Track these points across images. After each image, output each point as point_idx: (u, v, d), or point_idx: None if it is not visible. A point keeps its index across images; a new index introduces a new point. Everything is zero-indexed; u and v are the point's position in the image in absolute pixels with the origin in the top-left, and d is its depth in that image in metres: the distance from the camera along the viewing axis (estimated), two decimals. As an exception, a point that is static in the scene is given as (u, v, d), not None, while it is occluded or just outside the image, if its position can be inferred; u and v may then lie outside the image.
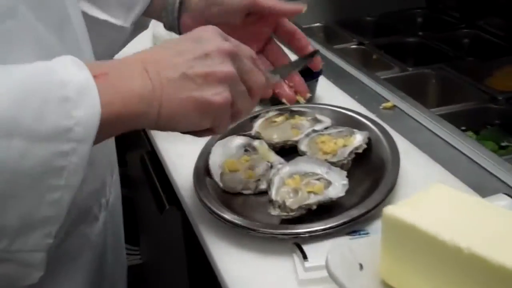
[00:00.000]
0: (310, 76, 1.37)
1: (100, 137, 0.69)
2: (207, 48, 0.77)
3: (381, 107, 1.43)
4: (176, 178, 1.21)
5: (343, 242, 0.90)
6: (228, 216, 1.00)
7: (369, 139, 1.17)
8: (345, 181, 1.04)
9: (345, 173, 1.06)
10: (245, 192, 1.10)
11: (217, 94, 0.76)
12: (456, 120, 1.42)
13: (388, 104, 1.43)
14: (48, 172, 0.65)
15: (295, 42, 1.10)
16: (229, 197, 1.10)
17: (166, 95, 0.73)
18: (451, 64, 1.77)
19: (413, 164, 1.14)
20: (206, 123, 0.78)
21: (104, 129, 0.69)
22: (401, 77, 1.73)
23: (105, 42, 1.11)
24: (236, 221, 0.99)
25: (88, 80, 0.69)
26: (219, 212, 1.01)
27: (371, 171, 1.12)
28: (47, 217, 0.67)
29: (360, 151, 1.14)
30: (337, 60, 1.67)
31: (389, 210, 0.82)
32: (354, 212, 0.98)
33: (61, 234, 0.70)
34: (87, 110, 0.67)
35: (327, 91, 1.48)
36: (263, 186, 1.10)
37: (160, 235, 1.55)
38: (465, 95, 1.67)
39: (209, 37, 0.79)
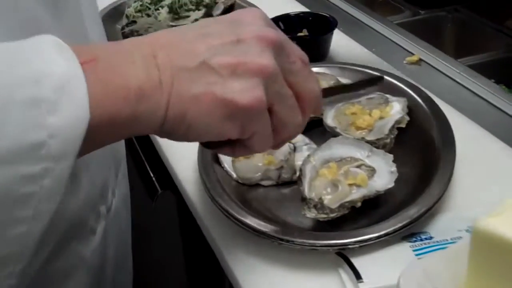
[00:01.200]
0: (325, 29, 1.15)
1: (86, 148, 0.50)
2: (242, 33, 0.56)
3: (405, 62, 1.21)
4: (170, 157, 1.00)
5: (414, 264, 0.69)
6: (251, 221, 0.78)
7: (408, 107, 0.95)
8: (393, 168, 0.83)
9: (391, 156, 0.85)
10: (264, 183, 0.88)
11: (246, 91, 0.55)
12: (483, 73, 1.20)
13: (414, 58, 1.21)
14: (10, 202, 0.47)
15: None
16: (245, 190, 0.88)
17: (177, 89, 0.54)
18: (467, 5, 1.55)
19: (459, 133, 0.92)
20: (232, 130, 0.57)
21: (91, 139, 0.49)
22: (413, 22, 1.51)
23: None
24: (263, 229, 0.77)
25: (73, 72, 0.48)
26: (240, 217, 0.79)
27: (417, 150, 0.91)
28: (9, 255, 0.49)
29: (403, 125, 0.92)
30: (345, 6, 1.43)
31: (483, 223, 0.62)
32: (412, 211, 0.78)
33: (43, 256, 0.61)
34: (67, 116, 0.47)
35: (341, 44, 1.25)
36: (286, 174, 0.88)
37: (149, 228, 1.31)
38: (488, 41, 1.46)
39: (250, 21, 0.58)
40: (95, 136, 0.50)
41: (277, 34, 0.57)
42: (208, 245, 0.87)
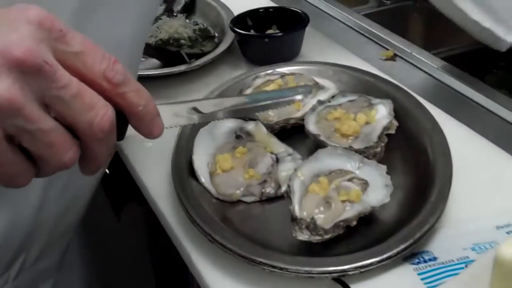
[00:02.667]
0: (296, 25, 1.08)
1: None
2: None
3: (380, 57, 1.14)
4: (139, 169, 0.92)
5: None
6: (238, 247, 0.71)
7: (395, 110, 0.89)
8: (388, 180, 0.77)
9: (384, 168, 0.79)
10: (247, 200, 0.81)
11: None
12: (456, 65, 1.15)
13: (389, 53, 1.15)
14: None
15: None
16: (226, 208, 0.81)
17: None
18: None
19: (447, 135, 0.86)
20: None
21: None
22: (379, 13, 1.45)
23: None
24: (252, 256, 0.70)
25: None
26: (226, 242, 0.72)
27: (408, 158, 0.85)
28: None
29: (392, 131, 0.86)
30: (314, 0, 1.36)
31: (507, 252, 0.56)
32: (414, 229, 0.71)
33: None
34: None
35: (312, 40, 1.18)
36: (270, 189, 0.80)
37: (112, 246, 1.21)
38: (456, 31, 1.40)
39: (13, 25, 0.44)
40: None
41: (32, 51, 0.43)
42: (183, 265, 0.79)
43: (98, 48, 0.47)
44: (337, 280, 0.70)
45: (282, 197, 0.79)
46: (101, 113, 0.46)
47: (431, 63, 1.12)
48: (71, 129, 0.47)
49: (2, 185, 0.48)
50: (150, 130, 0.52)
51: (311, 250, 0.73)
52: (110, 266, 0.92)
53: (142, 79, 0.88)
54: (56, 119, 0.46)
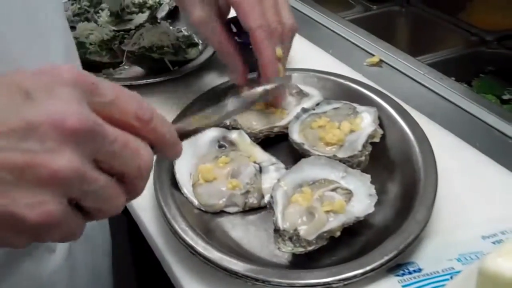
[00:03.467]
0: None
1: None
2: (35, 114, 0.42)
3: (365, 64, 1.13)
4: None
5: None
6: (220, 259, 0.70)
7: (379, 118, 0.88)
8: (372, 190, 0.76)
9: (368, 177, 0.78)
10: (230, 210, 0.79)
11: (35, 207, 0.43)
12: (442, 70, 1.15)
13: (374, 60, 1.14)
14: None
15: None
16: (208, 219, 0.80)
17: None
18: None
19: (432, 142, 0.85)
20: (23, 242, 0.46)
21: None
22: (365, 18, 1.45)
23: None
24: (234, 268, 0.69)
25: None
26: (208, 255, 0.71)
27: (393, 167, 0.84)
28: None
29: (377, 140, 0.85)
30: (299, 6, 1.35)
31: (493, 264, 0.55)
32: (398, 240, 0.70)
33: None
34: None
35: (297, 47, 1.16)
36: (253, 199, 0.79)
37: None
38: (443, 36, 1.41)
39: (50, 92, 0.44)
40: None
41: (79, 117, 0.43)
42: (167, 277, 0.78)
43: (125, 90, 0.49)
44: (322, 293, 0.68)
45: (265, 208, 0.78)
46: (146, 155, 0.49)
47: (417, 69, 1.11)
48: (120, 175, 0.48)
49: (61, 242, 0.49)
50: (176, 152, 0.55)
51: (294, 262, 0.72)
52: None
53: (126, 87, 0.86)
54: (104, 171, 0.47)
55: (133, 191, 0.50)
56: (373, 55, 1.15)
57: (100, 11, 1.23)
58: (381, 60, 1.15)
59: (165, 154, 0.54)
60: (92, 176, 0.45)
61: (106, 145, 0.46)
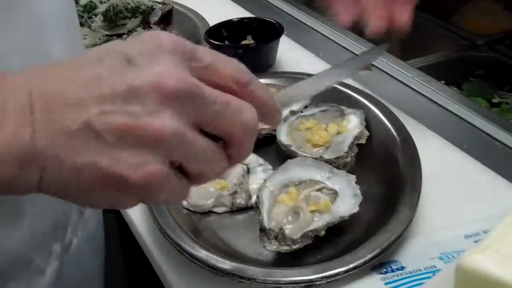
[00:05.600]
0: (271, 35, 1.09)
1: None
2: (136, 80, 0.44)
3: (355, 67, 1.14)
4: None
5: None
6: (207, 257, 0.71)
7: (366, 120, 0.89)
8: (357, 190, 0.77)
9: (353, 177, 0.79)
10: (217, 210, 0.81)
11: (138, 167, 0.44)
12: (433, 74, 1.16)
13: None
14: None
15: None
16: (197, 219, 0.81)
17: (54, 157, 0.43)
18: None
19: (420, 144, 0.86)
20: (128, 203, 0.47)
21: None
22: (356, 22, 1.44)
23: None
24: (221, 266, 0.70)
25: None
26: (195, 253, 0.72)
27: (378, 168, 0.85)
28: None
29: (363, 141, 0.87)
30: (289, 9, 1.36)
31: (468, 260, 0.57)
32: (381, 239, 0.72)
33: None
34: None
35: (287, 51, 1.18)
36: (241, 200, 0.81)
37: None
38: (434, 40, 1.42)
39: (151, 57, 0.45)
40: None
41: (179, 79, 0.44)
42: (157, 277, 0.79)
43: (221, 54, 0.49)
44: (306, 290, 0.70)
45: (253, 208, 0.79)
46: (250, 113, 0.48)
47: (406, 72, 1.12)
48: (227, 136, 0.49)
49: (166, 204, 0.49)
50: (277, 119, 0.54)
51: (280, 260, 0.73)
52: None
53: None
54: (209, 134, 0.47)
55: (239, 152, 0.50)
56: (363, 59, 1.16)
57: (93, 16, 1.25)
58: (372, 64, 1.16)
59: (265, 120, 0.52)
60: (192, 137, 0.46)
61: (206, 106, 0.46)
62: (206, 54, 0.48)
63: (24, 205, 0.61)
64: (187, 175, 0.48)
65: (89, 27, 1.22)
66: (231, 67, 0.49)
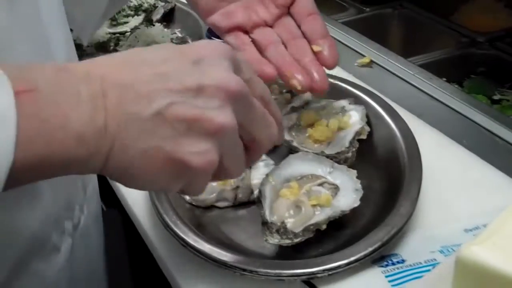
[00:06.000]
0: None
1: (10, 186, 0.44)
2: (204, 78, 0.50)
3: (356, 64, 1.16)
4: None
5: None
6: (210, 250, 0.72)
7: (367, 116, 0.90)
8: (358, 185, 0.78)
9: (354, 172, 0.80)
10: (220, 205, 0.82)
11: (200, 154, 0.50)
12: (434, 71, 1.17)
13: (365, 60, 1.16)
14: None
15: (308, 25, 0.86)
16: (199, 213, 0.82)
17: (123, 139, 0.48)
18: (411, -1, 1.52)
19: (420, 140, 0.87)
20: (176, 187, 0.53)
21: (17, 177, 0.44)
22: (358, 20, 1.47)
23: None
24: (223, 259, 0.71)
25: (4, 103, 0.43)
26: (198, 246, 0.73)
27: (379, 163, 0.86)
28: None
29: (364, 136, 0.87)
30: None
31: (467, 252, 0.57)
32: (382, 233, 0.73)
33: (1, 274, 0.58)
34: None
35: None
36: (243, 195, 0.82)
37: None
38: (435, 37, 1.43)
39: (213, 61, 0.52)
40: (20, 175, 0.44)
41: (238, 84, 0.52)
42: (161, 271, 0.80)
43: (254, 71, 0.58)
44: (307, 282, 0.70)
45: (255, 202, 0.80)
46: (275, 126, 0.58)
47: (407, 70, 1.14)
48: (251, 142, 0.56)
49: (193, 193, 0.56)
50: (281, 138, 0.63)
51: (282, 254, 0.74)
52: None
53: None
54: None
55: (254, 159, 0.58)
56: (364, 56, 1.17)
57: (96, 13, 1.26)
58: (371, 61, 1.17)
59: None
60: (237, 136, 0.53)
61: (252, 111, 0.54)
62: (247, 68, 0.56)
63: (41, 186, 0.64)
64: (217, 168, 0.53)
65: (92, 24, 1.23)
66: (261, 85, 0.57)
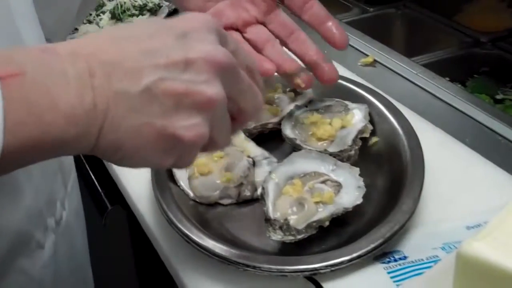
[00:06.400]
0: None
1: (3, 170, 0.47)
2: (191, 51, 0.50)
3: (359, 64, 1.16)
4: (120, 173, 0.95)
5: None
6: (213, 246, 0.73)
7: (370, 114, 0.91)
8: (361, 182, 0.79)
9: (357, 170, 0.81)
10: (224, 202, 0.82)
11: (191, 128, 0.50)
12: (437, 71, 1.17)
13: (368, 60, 1.17)
14: None
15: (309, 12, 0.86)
16: (203, 210, 0.83)
17: (113, 117, 0.48)
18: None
19: (423, 139, 0.87)
20: (169, 162, 0.53)
21: (9, 161, 0.45)
22: (362, 20, 1.47)
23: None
24: (226, 255, 0.72)
25: None
26: (202, 242, 0.74)
27: (382, 161, 0.87)
28: None
29: (366, 135, 0.88)
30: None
31: (468, 248, 0.58)
32: (384, 229, 0.73)
33: None
34: None
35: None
36: (246, 192, 0.82)
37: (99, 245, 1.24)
38: (439, 38, 1.44)
39: (199, 35, 0.52)
40: (12, 159, 0.45)
41: (226, 56, 0.52)
42: (165, 267, 0.81)
43: (240, 42, 0.61)
44: (309, 278, 0.71)
45: (258, 200, 0.80)
46: (260, 96, 0.58)
47: (410, 69, 1.14)
48: (237, 111, 0.57)
49: (182, 166, 0.57)
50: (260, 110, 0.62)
51: (284, 250, 0.75)
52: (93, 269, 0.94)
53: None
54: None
55: (239, 127, 0.60)
56: (368, 55, 1.18)
57: (101, 14, 1.27)
58: (375, 60, 1.18)
59: None
60: (225, 108, 0.54)
61: (239, 82, 0.54)
62: (232, 40, 0.56)
63: (22, 183, 0.64)
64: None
65: (97, 24, 1.24)
66: (246, 57, 0.58)
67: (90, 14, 1.26)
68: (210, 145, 0.54)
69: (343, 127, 0.89)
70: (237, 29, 0.86)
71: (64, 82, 0.46)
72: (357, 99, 0.95)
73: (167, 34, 0.51)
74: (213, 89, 0.50)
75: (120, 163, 0.51)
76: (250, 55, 0.58)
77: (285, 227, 0.73)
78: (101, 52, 0.48)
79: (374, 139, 0.89)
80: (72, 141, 0.47)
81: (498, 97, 1.25)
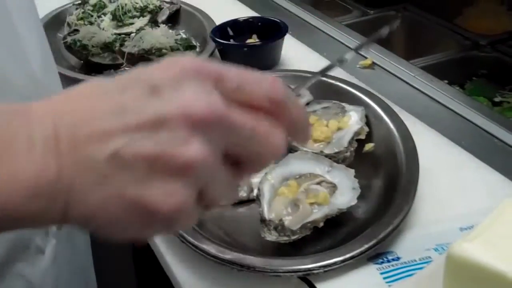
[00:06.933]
0: (276, 34, 1.11)
1: None
2: (165, 108, 0.42)
3: (358, 66, 1.17)
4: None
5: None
6: (208, 246, 0.74)
7: (366, 116, 0.91)
8: (355, 184, 0.79)
9: (352, 171, 0.81)
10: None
11: (167, 196, 0.43)
12: (436, 73, 1.18)
13: (367, 62, 1.18)
14: None
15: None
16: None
17: (79, 189, 0.42)
18: (415, 2, 1.53)
19: (419, 141, 0.88)
20: (149, 234, 0.49)
21: None
22: (362, 23, 1.48)
23: None
24: (221, 255, 0.72)
25: None
26: (197, 242, 0.75)
27: (377, 163, 0.87)
28: None
29: (362, 137, 0.89)
30: (294, 9, 1.39)
31: (458, 249, 0.59)
32: (378, 231, 0.74)
33: None
34: None
35: (291, 50, 1.21)
36: (243, 193, 0.83)
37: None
38: (439, 40, 1.44)
39: (178, 84, 0.44)
40: None
41: (208, 106, 0.43)
42: (162, 268, 0.82)
43: (251, 73, 0.47)
44: (303, 279, 0.72)
45: (255, 201, 0.81)
46: (277, 137, 0.46)
47: (408, 72, 1.15)
48: (244, 161, 0.47)
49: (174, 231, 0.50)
50: (306, 136, 0.52)
51: (279, 251, 0.76)
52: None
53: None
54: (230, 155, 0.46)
55: (249, 174, 0.50)
56: (366, 58, 1.19)
57: (102, 15, 1.28)
58: (373, 63, 1.18)
59: (297, 137, 0.51)
60: (219, 165, 0.45)
61: (234, 132, 0.44)
62: (233, 74, 0.46)
63: None
64: (201, 200, 0.45)
65: (98, 26, 1.25)
66: (263, 85, 0.46)
67: (91, 16, 1.28)
68: (210, 204, 0.47)
69: (339, 128, 0.90)
70: None
71: (28, 149, 0.41)
72: (355, 101, 0.95)
73: (138, 88, 0.43)
74: (191, 150, 0.42)
75: (98, 234, 0.45)
76: (275, 82, 0.47)
77: (280, 227, 0.74)
78: (69, 111, 0.43)
79: (370, 145, 0.89)
80: (35, 216, 0.42)
81: (497, 99, 1.26)
